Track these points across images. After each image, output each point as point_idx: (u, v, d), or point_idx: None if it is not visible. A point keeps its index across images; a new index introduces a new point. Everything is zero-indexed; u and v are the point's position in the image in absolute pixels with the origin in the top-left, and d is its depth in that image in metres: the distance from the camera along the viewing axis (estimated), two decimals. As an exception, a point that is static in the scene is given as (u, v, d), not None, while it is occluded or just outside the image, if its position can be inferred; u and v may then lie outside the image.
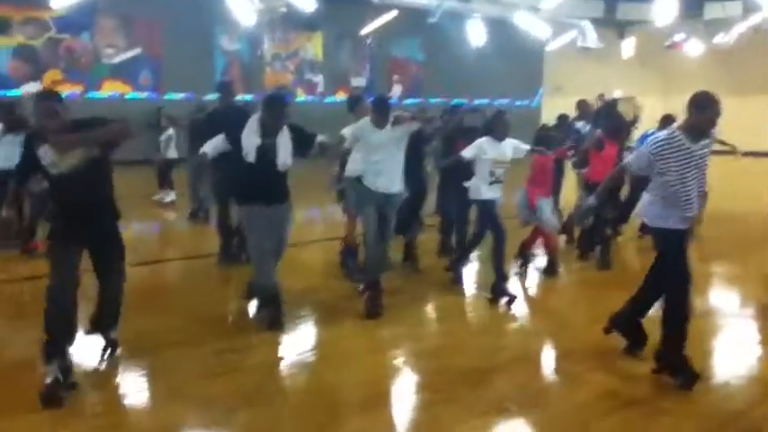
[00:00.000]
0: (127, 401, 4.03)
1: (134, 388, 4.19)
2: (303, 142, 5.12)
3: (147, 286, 6.49)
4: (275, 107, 4.97)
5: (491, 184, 6.04)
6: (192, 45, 19.36)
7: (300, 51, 22.19)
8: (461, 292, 6.41)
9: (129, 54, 19.29)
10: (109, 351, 4.49)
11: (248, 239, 5.18)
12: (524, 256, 7.14)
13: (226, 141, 5.05)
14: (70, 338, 4.06)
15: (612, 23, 25.05)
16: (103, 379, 4.30)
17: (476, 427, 3.77)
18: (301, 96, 21.90)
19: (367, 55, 23.29)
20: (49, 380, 3.79)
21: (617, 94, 26.15)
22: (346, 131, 6.03)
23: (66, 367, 3.94)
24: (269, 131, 4.94)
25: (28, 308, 5.91)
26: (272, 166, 4.95)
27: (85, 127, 3.96)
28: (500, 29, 21.89)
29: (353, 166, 6.00)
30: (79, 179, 3.98)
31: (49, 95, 4.07)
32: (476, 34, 21.61)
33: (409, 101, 21.97)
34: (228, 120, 5.84)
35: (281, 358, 4.69)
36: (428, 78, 24.19)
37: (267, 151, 4.92)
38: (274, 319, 5.12)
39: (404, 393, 4.26)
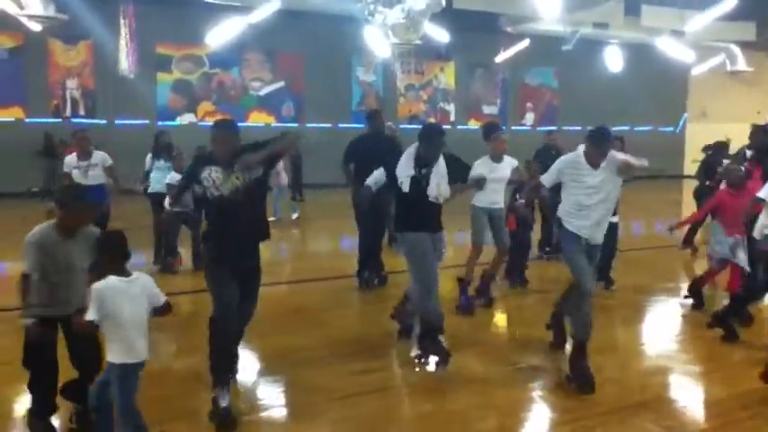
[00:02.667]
0: (264, 417, 4.21)
1: (272, 404, 4.39)
2: (459, 173, 5.04)
3: (287, 306, 6.80)
4: (432, 138, 4.89)
5: None
6: (331, 77, 20.24)
7: (434, 81, 22.58)
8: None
9: (274, 87, 20.50)
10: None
11: (412, 267, 4.93)
12: (698, 294, 6.55)
13: (384, 174, 5.00)
14: (235, 362, 4.35)
15: (764, 46, 23.48)
16: (243, 395, 4.54)
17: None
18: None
19: (499, 83, 23.29)
20: (224, 404, 3.91)
21: (770, 119, 24.43)
22: (479, 167, 5.89)
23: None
24: (424, 162, 4.86)
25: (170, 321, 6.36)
26: (425, 196, 4.87)
27: (252, 150, 4.11)
28: (640, 54, 21.16)
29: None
30: (238, 202, 4.04)
31: (225, 124, 4.25)
32: (613, 60, 21.03)
33: (543, 128, 21.66)
34: (378, 147, 6.23)
35: (417, 382, 4.74)
36: (563, 106, 23.77)
37: (420, 182, 4.84)
38: (442, 356, 4.85)
39: (538, 424, 4.20)
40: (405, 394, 4.58)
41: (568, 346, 4.89)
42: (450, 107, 22.75)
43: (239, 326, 4.33)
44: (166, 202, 8.21)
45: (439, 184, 4.87)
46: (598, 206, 4.60)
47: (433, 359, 4.85)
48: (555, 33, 19.71)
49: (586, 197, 4.58)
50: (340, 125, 19.67)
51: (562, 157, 4.88)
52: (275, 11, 14.86)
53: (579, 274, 4.59)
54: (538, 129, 21.68)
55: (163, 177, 8.33)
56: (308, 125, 20.20)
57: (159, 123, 18.34)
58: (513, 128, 22.27)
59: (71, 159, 6.75)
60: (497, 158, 6.42)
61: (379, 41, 16.63)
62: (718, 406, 4.34)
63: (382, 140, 7.22)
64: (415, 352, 4.99)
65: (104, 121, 17.98)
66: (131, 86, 17.16)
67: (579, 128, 20.65)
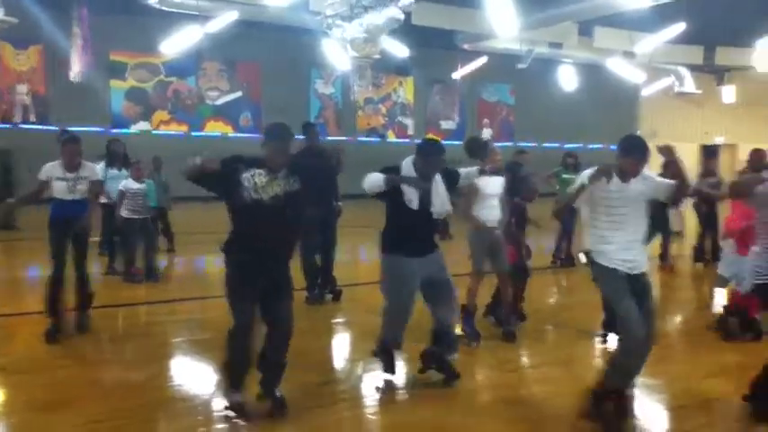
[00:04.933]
0: (222, 428, 4.17)
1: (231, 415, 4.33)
2: (452, 181, 4.81)
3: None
4: (432, 154, 4.61)
5: None
6: (290, 88, 20.20)
7: (392, 95, 22.73)
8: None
9: (231, 96, 20.34)
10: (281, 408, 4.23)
11: (389, 292, 4.67)
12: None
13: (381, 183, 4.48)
14: (247, 374, 4.20)
15: (711, 69, 24.35)
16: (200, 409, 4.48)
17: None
18: (392, 138, 22.34)
19: (457, 99, 23.57)
20: (237, 398, 4.10)
21: (718, 140, 25.29)
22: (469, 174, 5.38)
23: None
24: (425, 177, 4.56)
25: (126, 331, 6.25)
26: (429, 214, 4.63)
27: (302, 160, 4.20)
28: (593, 74, 21.71)
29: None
30: (274, 210, 3.97)
31: (286, 132, 4.08)
32: (567, 79, 21.53)
33: (499, 144, 21.98)
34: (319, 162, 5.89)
35: (374, 395, 4.74)
36: (518, 122, 24.19)
37: (423, 199, 4.56)
38: (452, 374, 4.77)
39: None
40: (362, 406, 4.57)
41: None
42: (409, 121, 22.93)
43: (282, 341, 4.16)
44: (123, 210, 8.08)
45: (442, 199, 4.66)
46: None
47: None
48: (511, 51, 20.08)
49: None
50: (299, 137, 19.55)
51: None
52: (234, 20, 14.75)
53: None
54: (495, 144, 21.95)
55: (116, 186, 8.18)
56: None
57: (113, 131, 18.01)
58: (469, 143, 22.48)
59: (52, 168, 5.75)
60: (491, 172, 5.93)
61: (338, 54, 16.67)
62: None
63: (322, 154, 6.68)
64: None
65: (56, 128, 17.51)
66: (84, 93, 16.81)
67: (534, 144, 21.07)
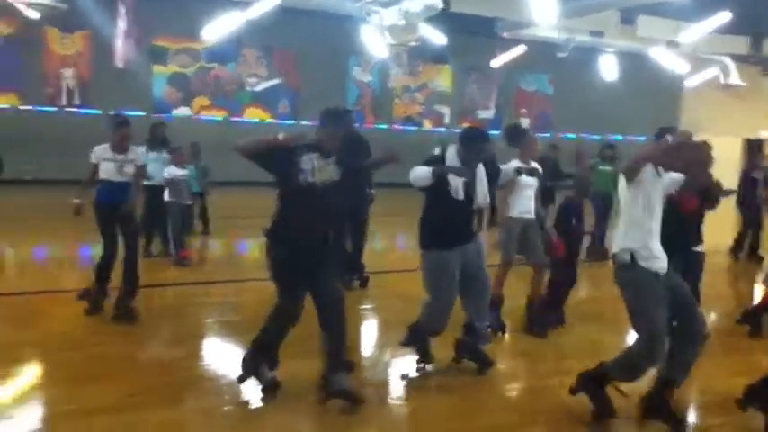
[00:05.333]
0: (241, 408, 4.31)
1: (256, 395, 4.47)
2: (493, 176, 4.83)
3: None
4: (476, 142, 4.61)
5: None
6: (327, 76, 20.28)
7: (429, 83, 22.66)
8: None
9: (270, 83, 20.53)
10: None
11: (432, 288, 4.63)
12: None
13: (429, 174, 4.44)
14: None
15: (758, 60, 23.66)
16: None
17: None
18: (428, 127, 22.30)
19: (494, 88, 23.39)
20: (269, 376, 4.22)
21: (763, 134, 24.65)
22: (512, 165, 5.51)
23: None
24: (467, 167, 4.54)
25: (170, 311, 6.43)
26: (471, 204, 4.65)
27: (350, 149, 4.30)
28: (635, 63, 21.29)
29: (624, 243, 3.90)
30: (326, 193, 4.07)
31: (344, 117, 4.36)
32: (608, 69, 21.15)
33: (538, 134, 21.79)
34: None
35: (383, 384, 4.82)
36: (557, 113, 23.89)
37: (468, 188, 4.57)
38: (486, 362, 4.84)
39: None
40: (388, 393, 4.64)
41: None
42: (445, 110, 22.84)
43: (338, 327, 4.15)
44: (166, 194, 8.31)
45: (484, 190, 4.67)
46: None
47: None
48: (551, 40, 19.81)
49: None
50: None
51: None
52: (273, 7, 14.85)
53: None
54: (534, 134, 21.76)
55: (158, 169, 8.34)
56: (304, 122, 20.23)
57: (155, 116, 18.34)
58: (507, 132, 22.32)
59: (103, 150, 5.85)
60: (527, 162, 5.82)
61: (376, 42, 16.69)
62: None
63: (359, 142, 6.85)
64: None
65: (99, 112, 17.96)
66: (127, 78, 17.15)
67: (573, 135, 20.83)
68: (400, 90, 22.20)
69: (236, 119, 19.98)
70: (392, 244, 11.47)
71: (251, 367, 4.22)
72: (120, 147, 5.84)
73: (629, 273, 3.80)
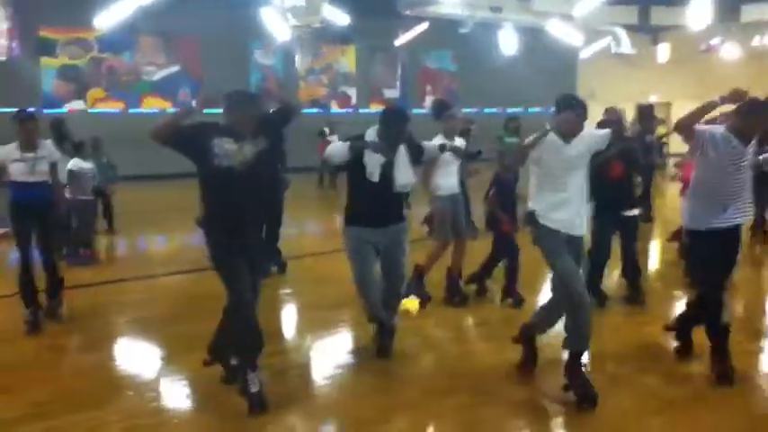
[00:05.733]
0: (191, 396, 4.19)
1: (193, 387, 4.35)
2: (416, 155, 4.73)
3: (190, 294, 6.70)
4: (396, 122, 4.53)
5: None
6: (228, 61, 19.76)
7: (334, 65, 22.51)
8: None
9: (169, 71, 19.82)
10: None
11: (351, 261, 4.66)
12: None
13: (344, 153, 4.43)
14: (260, 351, 4.05)
15: (646, 29, 24.85)
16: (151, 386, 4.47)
17: (519, 427, 3.87)
18: (335, 108, 22.19)
19: (399, 67, 23.50)
20: (254, 389, 3.89)
21: (652, 99, 25.96)
22: (436, 142, 5.46)
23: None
24: (389, 148, 4.49)
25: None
26: (392, 185, 4.56)
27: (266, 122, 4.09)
28: (532, 37, 21.89)
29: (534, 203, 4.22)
30: (246, 175, 3.90)
31: (249, 96, 4.11)
32: (508, 43, 21.65)
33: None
34: None
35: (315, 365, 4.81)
36: (462, 88, 24.28)
37: (386, 170, 4.50)
38: (382, 348, 4.81)
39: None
40: (310, 374, 4.64)
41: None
42: (352, 91, 22.77)
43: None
44: (67, 191, 7.89)
45: (405, 172, 4.58)
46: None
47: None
48: (452, 16, 20.08)
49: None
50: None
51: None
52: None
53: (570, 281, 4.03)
54: (458, 110, 22.05)
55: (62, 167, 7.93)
56: (207, 111, 19.68)
57: (45, 111, 17.36)
58: (414, 111, 22.54)
59: (10, 150, 5.52)
60: (451, 138, 5.91)
61: (277, 24, 16.41)
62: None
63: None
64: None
65: (-16, 110, 16.85)
66: (13, 72, 16.14)
67: (476, 110, 21.23)
68: (305, 72, 21.94)
69: (135, 110, 19.20)
70: (305, 228, 11.40)
71: (237, 376, 4.04)
72: (30, 144, 5.49)
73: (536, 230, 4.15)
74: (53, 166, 5.63)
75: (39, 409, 3.98)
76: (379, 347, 4.82)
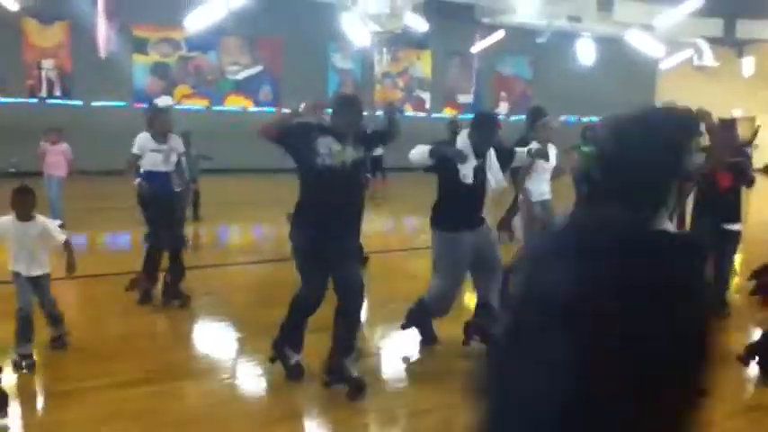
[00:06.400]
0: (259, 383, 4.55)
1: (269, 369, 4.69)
2: (506, 159, 4.87)
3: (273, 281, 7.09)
4: (487, 127, 4.66)
5: None
6: (308, 63, 20.35)
7: (410, 69, 22.84)
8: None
9: (251, 71, 20.57)
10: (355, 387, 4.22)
11: (442, 269, 4.74)
12: None
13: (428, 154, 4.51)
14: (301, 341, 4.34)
15: (731, 42, 24.18)
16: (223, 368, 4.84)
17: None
18: (409, 112, 22.50)
19: (474, 72, 23.63)
20: (293, 361, 4.28)
21: (736, 113, 25.22)
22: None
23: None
24: (479, 152, 4.63)
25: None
26: (483, 188, 4.71)
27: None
28: (611, 47, 21.66)
29: None
30: (345, 176, 4.06)
31: (357, 101, 4.25)
32: (585, 53, 21.51)
33: (515, 117, 22.07)
34: None
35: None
36: (536, 96, 24.18)
37: (479, 173, 4.63)
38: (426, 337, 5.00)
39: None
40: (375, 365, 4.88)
41: None
42: (426, 95, 23.05)
43: (354, 314, 4.26)
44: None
45: (496, 174, 4.70)
46: None
47: None
48: (529, 25, 20.10)
49: None
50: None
51: None
52: (256, -4, 14.95)
53: None
54: (511, 118, 22.08)
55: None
56: (285, 110, 20.29)
57: (137, 106, 18.33)
58: (487, 117, 22.64)
59: (145, 139, 5.82)
60: (545, 145, 5.67)
61: (356, 29, 16.84)
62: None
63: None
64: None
65: (81, 103, 17.92)
66: (108, 68, 17.10)
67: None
68: (381, 76, 22.34)
69: (218, 107, 20.01)
70: (391, 224, 11.77)
71: (278, 350, 4.34)
72: (161, 135, 5.86)
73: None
74: (179, 157, 6.05)
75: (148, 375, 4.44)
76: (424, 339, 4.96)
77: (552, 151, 5.84)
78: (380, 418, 4.11)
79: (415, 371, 4.80)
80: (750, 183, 5.82)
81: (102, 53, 15.94)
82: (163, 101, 18.46)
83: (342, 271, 4.16)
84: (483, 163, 4.64)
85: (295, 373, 4.30)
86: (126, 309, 5.92)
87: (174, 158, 5.95)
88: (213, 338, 5.49)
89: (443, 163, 4.50)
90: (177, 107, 19.37)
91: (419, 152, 4.49)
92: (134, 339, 5.21)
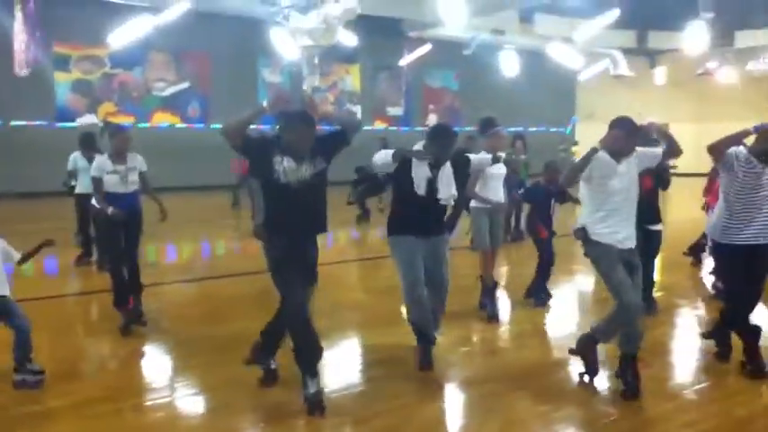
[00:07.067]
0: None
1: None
2: (462, 167, 4.98)
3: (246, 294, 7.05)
4: (443, 139, 4.72)
5: None
6: (237, 78, 20.22)
7: (339, 83, 23.00)
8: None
9: (178, 87, 20.25)
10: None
11: (399, 272, 4.81)
12: None
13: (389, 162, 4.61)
14: (320, 359, 4.21)
15: (644, 52, 25.48)
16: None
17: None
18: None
19: (403, 86, 24.00)
20: (313, 389, 4.08)
21: (651, 120, 26.48)
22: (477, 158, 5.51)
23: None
24: (435, 163, 4.69)
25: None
26: (436, 200, 4.76)
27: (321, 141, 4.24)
28: (533, 59, 22.44)
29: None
30: (305, 192, 4.09)
31: (310, 120, 4.16)
32: (509, 65, 22.21)
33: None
34: None
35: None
36: (463, 107, 24.79)
37: (432, 184, 4.70)
38: (423, 361, 4.89)
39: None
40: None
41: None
42: (357, 108, 23.25)
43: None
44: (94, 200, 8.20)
45: (448, 185, 4.78)
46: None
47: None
48: (455, 38, 20.61)
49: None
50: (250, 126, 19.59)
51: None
52: (183, 11, 14.76)
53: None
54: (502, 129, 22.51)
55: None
56: (214, 126, 20.13)
57: (58, 125, 17.80)
58: (417, 128, 23.05)
59: (103, 162, 5.74)
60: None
61: (285, 44, 16.84)
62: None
63: None
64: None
65: (0, 122, 17.24)
66: (28, 86, 16.50)
67: (478, 128, 21.72)
68: (311, 90, 22.37)
69: (144, 124, 19.61)
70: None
71: (258, 355, 4.49)
72: (119, 156, 5.73)
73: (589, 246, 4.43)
74: (143, 176, 5.90)
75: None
76: (421, 361, 4.89)
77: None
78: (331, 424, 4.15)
79: (362, 378, 4.87)
80: (667, 185, 6.28)
81: (19, 71, 15.34)
82: (86, 119, 18.11)
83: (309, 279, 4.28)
84: (437, 175, 4.72)
85: (272, 378, 4.48)
86: (72, 329, 5.90)
87: (133, 178, 5.81)
88: (165, 355, 5.42)
89: (400, 174, 4.64)
90: (101, 125, 18.94)
91: (382, 156, 4.60)
92: (89, 359, 5.22)
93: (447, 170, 4.79)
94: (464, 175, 5.07)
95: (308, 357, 4.12)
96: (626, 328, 4.38)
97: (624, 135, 4.30)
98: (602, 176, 4.31)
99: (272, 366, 4.54)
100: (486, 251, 6.27)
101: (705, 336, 5.24)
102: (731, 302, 4.94)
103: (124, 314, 5.79)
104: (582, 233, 4.39)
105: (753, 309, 4.81)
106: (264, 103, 4.07)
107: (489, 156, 5.50)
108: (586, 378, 4.60)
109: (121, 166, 5.73)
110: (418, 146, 4.76)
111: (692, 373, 5.02)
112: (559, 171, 6.44)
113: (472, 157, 5.27)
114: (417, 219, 4.74)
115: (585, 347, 4.61)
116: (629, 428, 4.06)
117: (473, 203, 6.19)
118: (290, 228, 4.15)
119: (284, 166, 4.06)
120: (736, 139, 4.57)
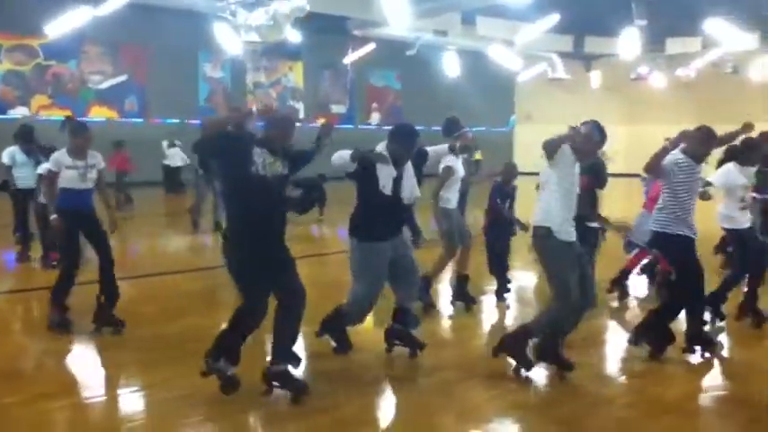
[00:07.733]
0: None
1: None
2: (420, 160, 4.97)
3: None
4: (406, 138, 4.69)
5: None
6: (177, 72, 19.86)
7: (282, 79, 22.87)
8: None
9: (116, 80, 19.74)
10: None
11: (362, 277, 4.72)
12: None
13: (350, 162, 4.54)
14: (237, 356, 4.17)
15: (580, 56, 26.28)
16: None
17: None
18: (282, 123, 22.53)
19: (347, 84, 24.06)
20: (230, 372, 4.09)
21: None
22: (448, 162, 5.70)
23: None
24: (398, 163, 4.63)
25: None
26: (400, 199, 4.71)
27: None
28: (475, 61, 22.87)
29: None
30: (274, 188, 4.11)
31: (291, 121, 4.33)
32: (451, 65, 22.57)
33: (387, 127, 22.71)
34: None
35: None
36: (405, 106, 25.04)
37: (396, 185, 4.64)
38: (414, 347, 4.94)
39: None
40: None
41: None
42: (300, 105, 23.18)
43: (299, 311, 4.23)
44: (42, 196, 7.90)
45: (411, 185, 4.74)
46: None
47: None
48: (399, 38, 20.81)
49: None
50: (189, 120, 19.28)
51: None
52: (123, 3, 14.42)
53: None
54: (383, 128, 22.68)
55: (32, 172, 7.95)
56: (154, 120, 19.77)
57: (-9, 117, 17.13)
58: (360, 126, 23.19)
59: (62, 157, 5.52)
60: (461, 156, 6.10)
61: (228, 38, 16.65)
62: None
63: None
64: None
65: None
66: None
67: (422, 127, 22.00)
68: (253, 86, 22.18)
69: (81, 118, 19.02)
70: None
71: (212, 363, 4.15)
72: (79, 152, 5.53)
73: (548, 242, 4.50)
74: (100, 174, 5.72)
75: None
76: (412, 347, 4.95)
77: (460, 162, 6.17)
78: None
79: (324, 373, 4.89)
80: (604, 183, 6.53)
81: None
82: (18, 111, 17.46)
83: (284, 279, 4.20)
84: (401, 173, 4.67)
85: (231, 385, 4.16)
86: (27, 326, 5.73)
87: (92, 176, 5.64)
88: (121, 350, 5.31)
89: (364, 173, 4.56)
90: (37, 118, 18.29)
91: (340, 156, 4.51)
92: (42, 355, 5.11)
93: (409, 169, 4.78)
94: (422, 167, 5.05)
95: (232, 350, 4.12)
96: (567, 326, 4.56)
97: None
98: (568, 172, 4.51)
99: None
100: (458, 248, 6.34)
101: (634, 342, 5.14)
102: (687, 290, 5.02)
103: (57, 312, 5.62)
104: (547, 232, 4.48)
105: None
106: (254, 108, 4.22)
107: (446, 146, 5.50)
108: (523, 372, 4.65)
109: (81, 162, 5.57)
110: (380, 146, 4.76)
111: (630, 361, 5.25)
112: (515, 173, 6.63)
113: (429, 149, 5.28)
114: (385, 220, 4.69)
115: (519, 344, 4.63)
116: (579, 409, 4.26)
117: (441, 204, 6.15)
118: (262, 225, 4.09)
119: (263, 158, 4.07)
120: (663, 154, 4.84)
